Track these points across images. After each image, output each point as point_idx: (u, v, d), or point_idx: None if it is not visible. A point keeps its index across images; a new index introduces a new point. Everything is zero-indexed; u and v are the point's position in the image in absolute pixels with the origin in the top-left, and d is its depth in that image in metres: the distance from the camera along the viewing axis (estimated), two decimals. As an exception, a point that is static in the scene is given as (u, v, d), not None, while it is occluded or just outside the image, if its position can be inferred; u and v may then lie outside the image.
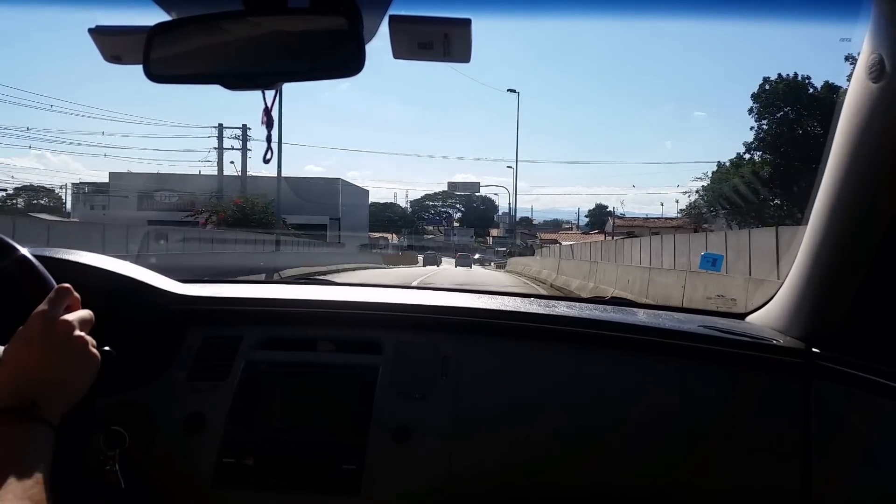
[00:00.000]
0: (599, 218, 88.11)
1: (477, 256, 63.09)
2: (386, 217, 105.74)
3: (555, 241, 57.90)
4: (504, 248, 67.77)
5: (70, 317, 0.92)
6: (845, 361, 1.28)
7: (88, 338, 0.93)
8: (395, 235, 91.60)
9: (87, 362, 0.92)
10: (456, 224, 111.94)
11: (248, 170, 42.09)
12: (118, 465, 1.25)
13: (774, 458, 1.30)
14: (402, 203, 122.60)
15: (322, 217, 47.59)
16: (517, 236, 70.88)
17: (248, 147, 41.39)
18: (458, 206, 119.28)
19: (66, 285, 0.95)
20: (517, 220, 72.09)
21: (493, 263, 56.42)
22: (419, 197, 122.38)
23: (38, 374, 0.87)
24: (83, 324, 0.94)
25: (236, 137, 41.97)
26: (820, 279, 1.32)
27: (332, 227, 49.70)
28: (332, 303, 1.61)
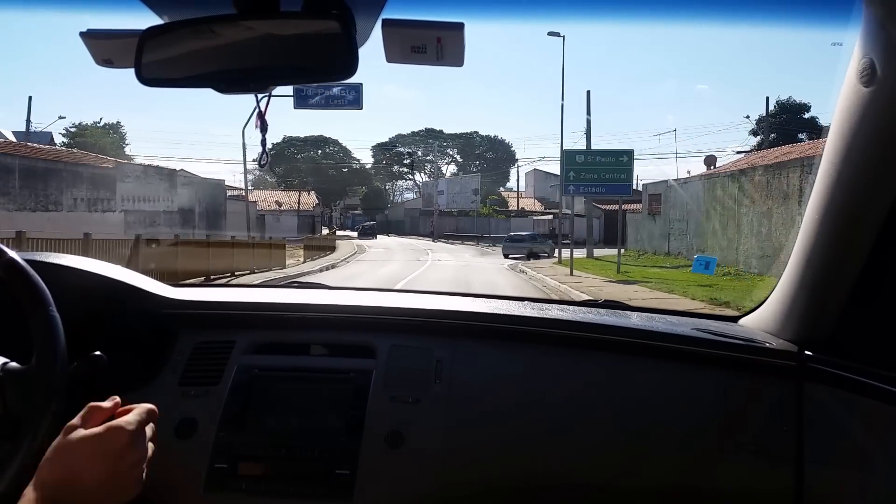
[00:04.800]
0: (791, 127, 38.54)
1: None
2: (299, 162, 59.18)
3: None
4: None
5: (147, 444, 0.85)
6: (838, 364, 1.29)
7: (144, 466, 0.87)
8: (314, 195, 52.45)
9: (133, 490, 0.85)
10: (448, 173, 66.36)
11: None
12: None
13: (767, 460, 1.31)
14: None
15: None
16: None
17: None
18: (449, 151, 70.48)
19: (154, 408, 0.90)
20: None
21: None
22: (385, 140, 71.01)
23: (85, 493, 0.77)
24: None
25: None
26: (812, 282, 1.32)
27: None
28: (324, 307, 1.60)
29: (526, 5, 1.04)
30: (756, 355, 1.39)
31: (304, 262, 24.47)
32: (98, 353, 0.97)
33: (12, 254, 1.02)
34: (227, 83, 1.09)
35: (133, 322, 1.44)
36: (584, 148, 25.42)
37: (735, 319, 1.69)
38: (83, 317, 0.95)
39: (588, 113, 28.74)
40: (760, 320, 1.56)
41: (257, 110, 1.16)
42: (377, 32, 1.04)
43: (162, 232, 21.89)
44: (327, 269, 21.89)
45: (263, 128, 1.20)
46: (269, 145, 1.30)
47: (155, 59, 1.05)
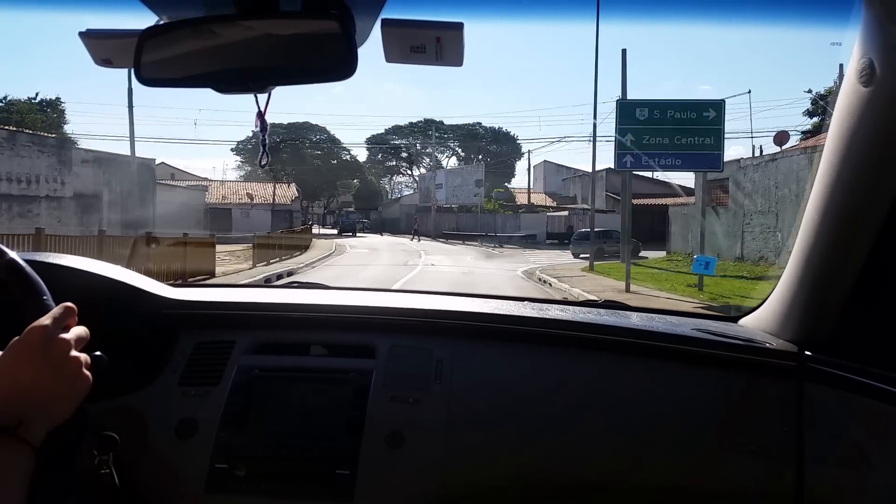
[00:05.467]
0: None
1: None
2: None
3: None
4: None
5: (68, 335, 0.89)
6: (837, 364, 1.29)
7: (84, 357, 0.90)
8: (294, 188, 47.92)
9: (77, 384, 0.88)
10: (448, 162, 60.52)
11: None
12: (113, 468, 1.24)
13: (767, 460, 1.31)
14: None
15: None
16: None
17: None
18: (450, 143, 64.45)
19: (72, 305, 0.92)
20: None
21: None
22: (382, 131, 64.37)
23: (29, 392, 0.83)
24: (78, 342, 0.90)
25: None
26: (812, 282, 1.32)
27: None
28: (325, 307, 1.61)
29: (526, 5, 1.04)
30: (756, 355, 1.39)
31: (253, 266, 18.75)
32: (98, 353, 0.96)
33: (13, 254, 1.02)
34: (227, 83, 1.09)
35: (133, 322, 1.44)
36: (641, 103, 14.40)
37: (735, 319, 1.69)
38: (83, 317, 0.95)
39: (623, 76, 18.25)
40: (760, 320, 1.56)
41: (257, 110, 1.16)
42: (376, 32, 1.04)
43: (41, 224, 15.57)
44: (279, 277, 15.74)
45: (263, 127, 1.20)
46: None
47: (155, 59, 1.05)
